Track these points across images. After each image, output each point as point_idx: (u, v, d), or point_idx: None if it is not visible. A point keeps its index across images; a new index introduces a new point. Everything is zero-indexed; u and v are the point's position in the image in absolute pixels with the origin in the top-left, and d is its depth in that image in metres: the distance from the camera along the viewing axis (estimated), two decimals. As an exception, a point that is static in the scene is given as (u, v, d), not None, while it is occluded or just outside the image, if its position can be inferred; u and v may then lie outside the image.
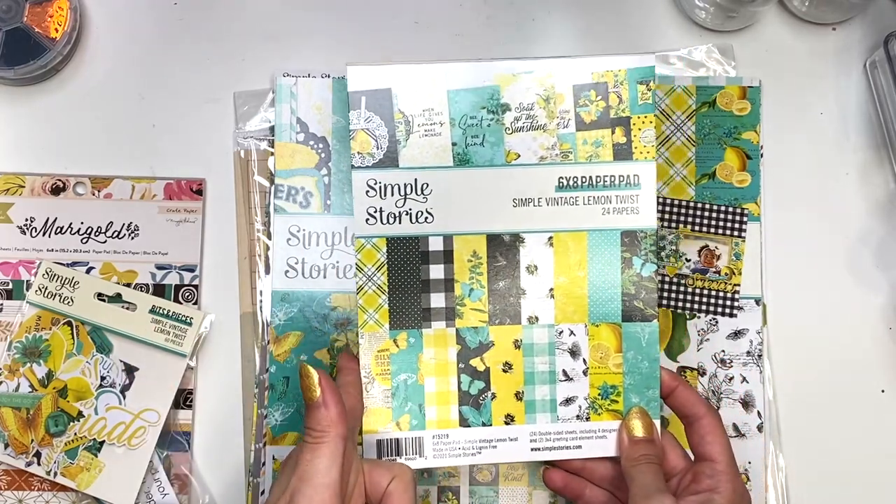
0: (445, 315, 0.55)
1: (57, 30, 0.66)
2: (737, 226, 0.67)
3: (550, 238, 0.55)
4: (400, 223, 0.54)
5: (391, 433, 0.55)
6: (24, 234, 0.65)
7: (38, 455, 0.62)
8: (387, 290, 0.55)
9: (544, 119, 0.54)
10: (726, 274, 0.66)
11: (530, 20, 0.70)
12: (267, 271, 0.66)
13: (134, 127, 0.68)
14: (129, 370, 0.64)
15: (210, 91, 0.68)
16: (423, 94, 0.54)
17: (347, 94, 0.53)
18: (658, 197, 0.67)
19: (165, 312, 0.65)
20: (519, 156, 0.54)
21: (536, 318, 0.55)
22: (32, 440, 0.63)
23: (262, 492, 0.64)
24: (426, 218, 0.54)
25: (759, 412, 0.66)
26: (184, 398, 0.65)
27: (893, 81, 0.66)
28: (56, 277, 0.64)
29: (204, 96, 0.68)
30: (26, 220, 0.65)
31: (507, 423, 0.55)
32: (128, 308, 0.65)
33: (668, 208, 0.67)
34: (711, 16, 0.69)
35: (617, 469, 0.56)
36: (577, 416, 0.55)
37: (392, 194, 0.54)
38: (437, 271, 0.54)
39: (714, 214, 0.67)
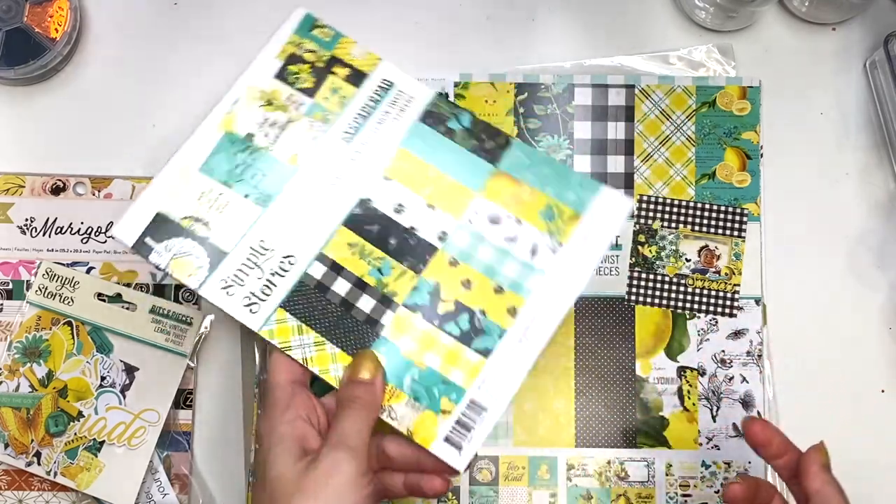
0: (385, 305, 0.53)
1: (57, 30, 0.66)
2: (737, 226, 0.67)
3: (388, 168, 0.55)
4: (275, 286, 0.53)
5: (450, 424, 0.52)
6: (24, 234, 0.65)
7: (38, 455, 0.63)
8: (325, 338, 0.53)
9: (283, 115, 0.56)
10: (726, 274, 0.66)
11: (530, 20, 0.70)
12: (267, 271, 0.66)
13: (134, 127, 0.68)
14: (129, 370, 0.64)
15: (210, 91, 0.68)
16: (187, 188, 0.54)
17: (132, 249, 0.53)
18: (658, 197, 0.67)
19: (165, 312, 0.65)
20: (297, 154, 0.55)
21: (445, 234, 0.54)
22: (32, 440, 0.63)
23: (262, 492, 0.64)
24: (290, 261, 0.53)
25: (759, 412, 0.66)
26: (184, 398, 0.65)
27: (893, 81, 0.66)
28: (56, 277, 0.64)
29: (204, 96, 0.68)
30: (26, 220, 0.65)
31: (512, 315, 0.53)
32: (128, 308, 0.65)
33: (668, 208, 0.67)
34: (711, 16, 0.69)
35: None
36: (551, 250, 0.54)
37: (248, 276, 0.53)
38: (341, 286, 0.53)
39: (714, 214, 0.67)
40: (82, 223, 0.66)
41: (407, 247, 0.54)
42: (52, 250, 0.65)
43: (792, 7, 0.70)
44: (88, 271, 0.65)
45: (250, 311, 0.52)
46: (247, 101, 0.55)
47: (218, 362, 0.66)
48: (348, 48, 0.56)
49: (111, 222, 0.66)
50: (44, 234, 0.65)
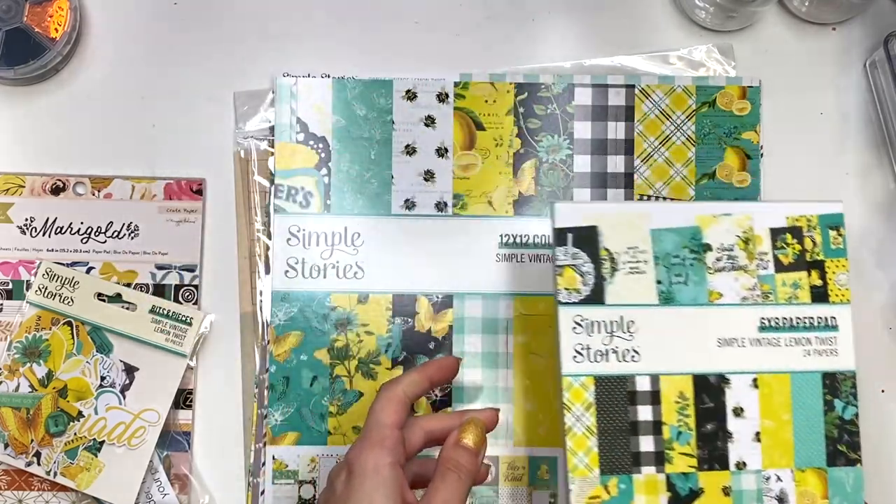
0: (655, 459, 0.53)
1: (57, 30, 0.66)
2: (737, 226, 0.67)
3: (755, 379, 0.54)
4: (607, 361, 0.53)
5: None
6: (24, 234, 0.65)
7: (38, 455, 0.63)
8: (596, 432, 0.53)
9: (744, 260, 0.55)
10: (726, 274, 0.66)
11: (530, 20, 0.70)
12: (267, 271, 0.66)
13: (134, 127, 0.68)
14: (129, 370, 0.64)
15: (210, 91, 0.68)
16: (628, 232, 0.54)
17: (554, 230, 0.53)
18: (658, 197, 0.67)
19: (165, 312, 0.65)
20: (721, 295, 0.54)
21: (744, 464, 0.54)
22: (32, 440, 0.63)
23: (262, 492, 0.64)
24: (633, 356, 0.53)
25: (759, 412, 0.66)
26: (184, 398, 0.65)
27: (893, 81, 0.66)
28: (56, 277, 0.64)
29: (204, 96, 0.68)
30: (26, 220, 0.65)
31: None
32: (128, 308, 0.65)
33: (668, 208, 0.67)
34: (711, 16, 0.69)
35: None
36: None
37: (599, 331, 0.53)
38: (644, 413, 0.53)
39: (714, 214, 0.67)
40: (82, 223, 0.66)
41: (712, 442, 0.54)
42: (52, 250, 0.65)
43: (792, 7, 0.70)
44: (88, 271, 0.65)
45: (574, 358, 0.53)
46: (736, 222, 0.55)
47: (218, 362, 0.66)
48: (839, 268, 0.55)
49: (111, 222, 0.66)
50: (44, 234, 0.65)
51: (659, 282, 0.54)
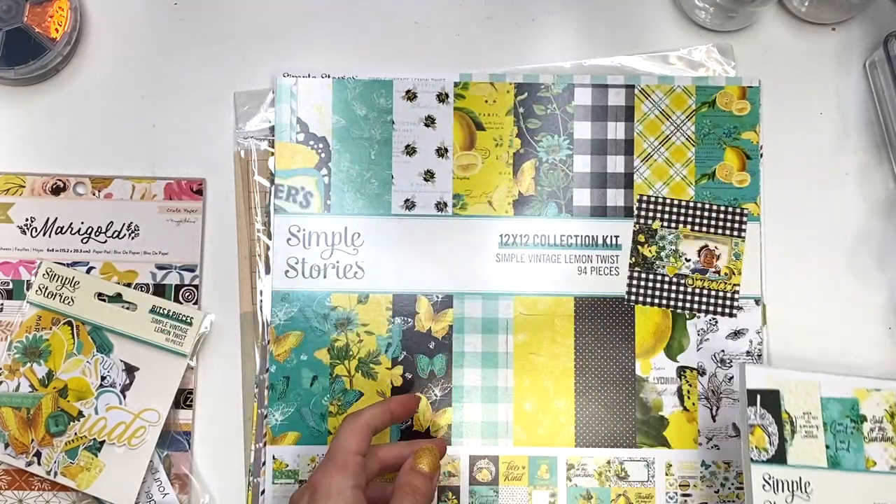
0: None
1: (57, 30, 0.66)
2: (736, 226, 0.67)
3: None
4: None
5: None
6: (25, 234, 0.65)
7: (38, 455, 0.63)
8: None
9: (891, 432, 0.61)
10: (726, 274, 0.67)
11: (530, 20, 0.70)
12: (267, 271, 0.66)
13: (134, 127, 0.68)
14: (130, 370, 0.64)
15: (210, 91, 0.68)
16: (803, 398, 0.60)
17: (747, 391, 0.58)
18: (658, 197, 0.67)
19: (166, 312, 0.65)
20: (875, 463, 0.60)
21: None
22: (32, 440, 0.63)
23: (262, 491, 0.64)
24: None
25: (759, 412, 0.66)
26: (184, 398, 0.65)
27: (893, 81, 0.66)
28: (56, 277, 0.64)
29: (204, 96, 0.68)
30: (26, 220, 0.65)
31: None
32: (128, 308, 0.65)
33: (667, 208, 0.67)
34: (711, 16, 0.69)
35: None
36: None
37: (783, 490, 0.58)
38: None
39: (714, 214, 0.67)
40: (82, 223, 0.66)
41: None
42: (53, 250, 0.65)
43: (792, 7, 0.70)
44: (88, 271, 0.65)
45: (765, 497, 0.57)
46: (883, 397, 0.61)
47: (218, 362, 0.66)
48: None
49: (111, 222, 0.66)
50: (44, 234, 0.65)
51: (827, 446, 0.60)
